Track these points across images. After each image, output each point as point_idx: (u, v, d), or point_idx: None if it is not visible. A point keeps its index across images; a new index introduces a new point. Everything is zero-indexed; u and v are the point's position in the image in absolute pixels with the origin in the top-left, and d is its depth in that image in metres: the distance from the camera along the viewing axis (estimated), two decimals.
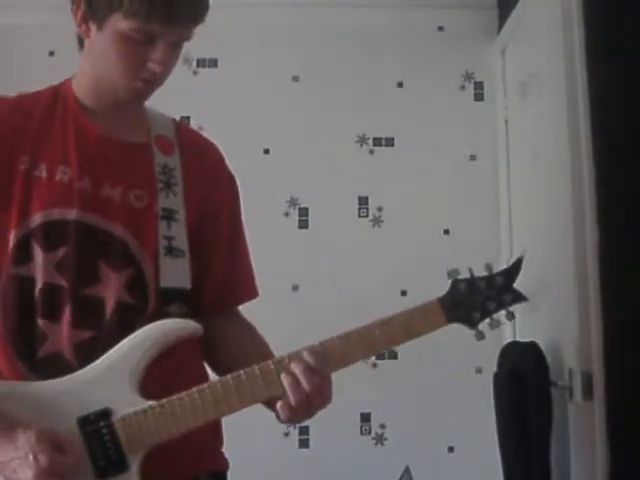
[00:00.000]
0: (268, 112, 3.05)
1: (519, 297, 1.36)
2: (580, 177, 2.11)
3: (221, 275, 1.54)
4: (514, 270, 1.37)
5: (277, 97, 3.08)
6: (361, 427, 2.93)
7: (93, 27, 1.38)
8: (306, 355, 1.30)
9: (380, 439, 2.94)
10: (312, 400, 1.30)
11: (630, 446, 1.96)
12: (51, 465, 1.20)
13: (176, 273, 1.43)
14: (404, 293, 2.95)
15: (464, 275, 1.37)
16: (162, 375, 1.33)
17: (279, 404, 1.30)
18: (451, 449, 2.92)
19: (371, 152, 3.09)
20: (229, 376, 1.32)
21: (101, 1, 1.34)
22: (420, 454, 2.82)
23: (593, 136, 2.09)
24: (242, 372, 1.31)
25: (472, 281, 1.36)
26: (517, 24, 2.80)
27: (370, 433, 2.94)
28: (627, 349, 2.00)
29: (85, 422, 1.28)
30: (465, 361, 2.90)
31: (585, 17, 2.14)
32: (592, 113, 2.10)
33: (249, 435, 2.66)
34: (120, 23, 1.34)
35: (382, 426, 2.94)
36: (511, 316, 1.36)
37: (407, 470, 2.60)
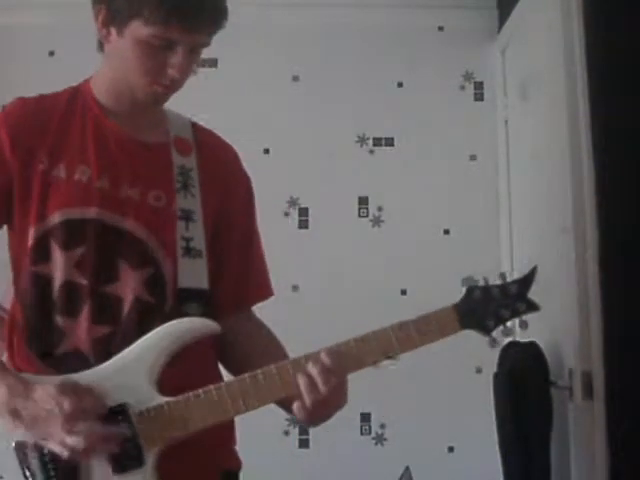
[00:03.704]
0: (268, 112, 3.05)
1: (533, 306, 1.37)
2: (580, 177, 2.11)
3: (235, 276, 1.56)
4: (528, 279, 1.38)
5: (277, 97, 3.08)
6: (361, 427, 2.93)
7: (113, 32, 1.41)
8: (323, 356, 1.31)
9: (380, 439, 2.94)
10: (328, 401, 1.31)
11: (630, 446, 1.96)
12: (77, 407, 1.24)
13: (194, 273, 1.45)
14: (404, 293, 2.96)
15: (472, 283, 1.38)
16: (178, 377, 1.34)
17: (295, 405, 1.32)
18: (451, 449, 2.92)
19: (371, 152, 3.09)
20: (246, 375, 1.33)
21: (122, 7, 1.37)
22: (420, 454, 2.82)
23: (593, 136, 2.09)
24: (259, 371, 1.33)
25: (487, 289, 1.37)
26: (517, 24, 2.80)
27: (370, 433, 2.94)
28: (627, 349, 2.00)
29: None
30: (465, 361, 2.90)
31: (585, 17, 2.14)
32: (592, 113, 2.10)
33: (249, 435, 2.66)
34: (140, 29, 1.37)
35: (382, 426, 2.94)
36: (525, 325, 1.37)
37: (407, 470, 2.60)
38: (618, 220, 2.05)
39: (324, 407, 1.32)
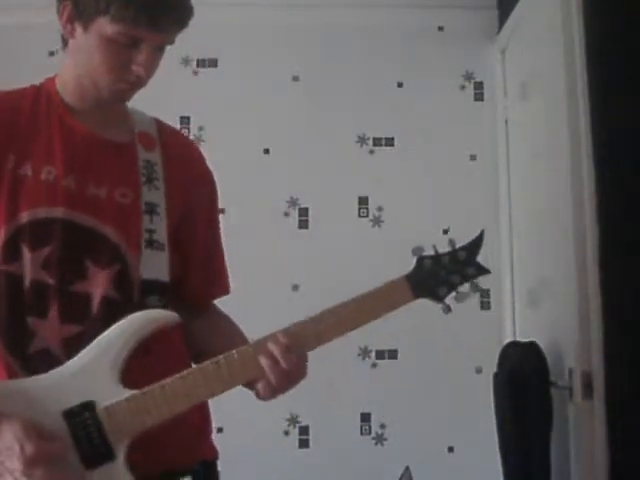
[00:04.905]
0: (268, 112, 3.05)
1: (482, 269, 1.42)
2: (580, 177, 2.11)
3: (200, 271, 1.58)
4: (476, 244, 1.43)
5: (277, 97, 3.08)
6: (361, 427, 2.93)
7: (79, 28, 1.41)
8: (280, 336, 1.37)
9: (380, 439, 2.94)
10: (290, 375, 1.37)
11: (630, 446, 1.96)
12: (38, 453, 1.23)
13: (156, 265, 1.46)
14: None
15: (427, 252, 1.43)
16: (145, 368, 1.35)
17: (260, 384, 1.37)
18: (451, 449, 2.92)
19: (371, 152, 3.09)
20: (208, 361, 1.35)
21: (88, 3, 1.37)
22: (420, 454, 2.82)
23: (593, 136, 2.09)
24: (222, 357, 1.35)
25: (436, 257, 1.42)
26: (517, 24, 2.80)
27: (370, 433, 2.94)
28: (627, 349, 2.00)
29: (70, 415, 1.30)
30: (465, 361, 2.91)
31: (585, 17, 2.14)
32: (592, 113, 2.10)
33: (249, 435, 2.66)
34: (106, 27, 1.36)
35: (382, 426, 2.94)
36: (476, 288, 1.41)
37: (407, 470, 2.60)
38: (618, 220, 2.05)
39: (286, 380, 1.37)
